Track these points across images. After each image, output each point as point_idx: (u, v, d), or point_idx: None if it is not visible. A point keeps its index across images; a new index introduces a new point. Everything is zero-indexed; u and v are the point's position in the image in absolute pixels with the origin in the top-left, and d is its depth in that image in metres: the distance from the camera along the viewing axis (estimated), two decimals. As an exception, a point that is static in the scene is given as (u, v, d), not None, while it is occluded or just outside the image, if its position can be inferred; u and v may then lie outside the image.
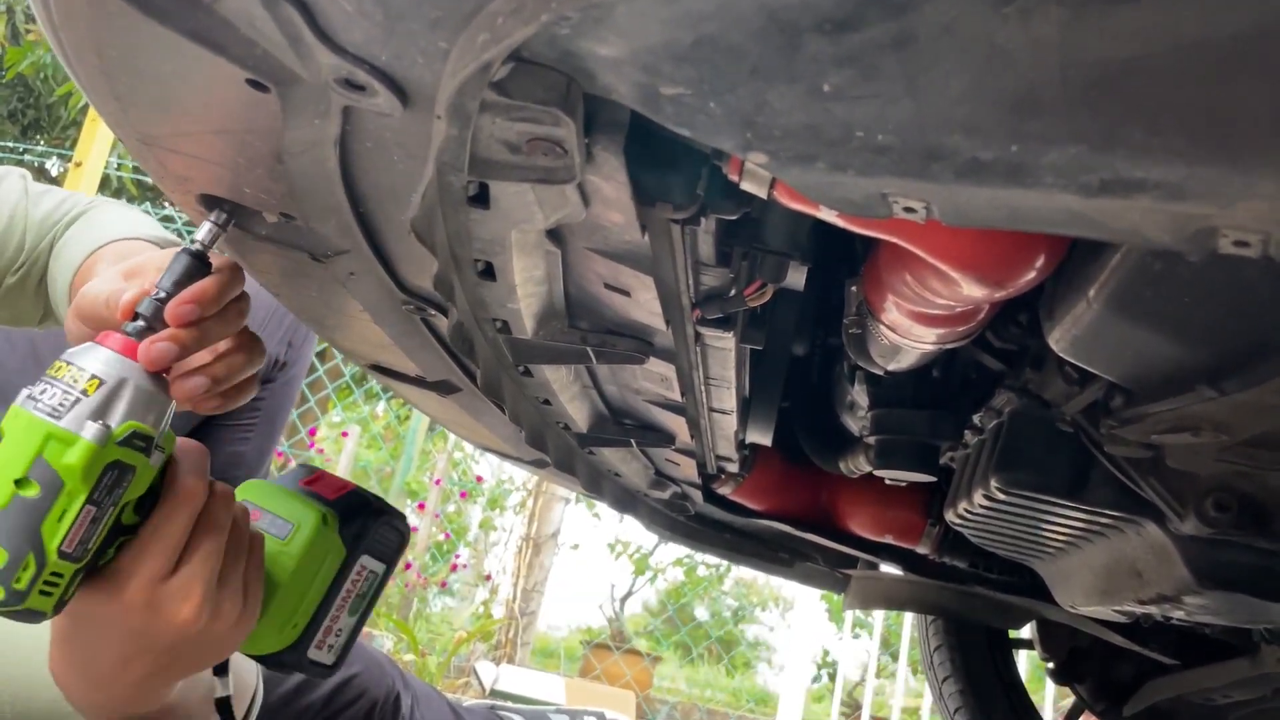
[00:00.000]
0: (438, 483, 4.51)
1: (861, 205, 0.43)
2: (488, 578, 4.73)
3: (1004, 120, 0.37)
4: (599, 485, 1.30)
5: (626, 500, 1.41)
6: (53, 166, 7.33)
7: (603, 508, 6.73)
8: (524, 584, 4.11)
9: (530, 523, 4.30)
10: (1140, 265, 0.49)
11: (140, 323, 0.67)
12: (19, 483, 0.62)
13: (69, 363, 0.64)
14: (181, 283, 0.68)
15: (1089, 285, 0.54)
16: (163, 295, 0.68)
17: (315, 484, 0.87)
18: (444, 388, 0.97)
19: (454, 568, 4.61)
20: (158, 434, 0.67)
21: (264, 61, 0.43)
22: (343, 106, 0.46)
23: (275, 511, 0.83)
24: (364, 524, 0.86)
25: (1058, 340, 0.60)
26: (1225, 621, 0.91)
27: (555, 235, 0.61)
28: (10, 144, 7.00)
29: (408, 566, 3.71)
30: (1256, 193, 0.34)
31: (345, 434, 4.65)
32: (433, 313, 0.75)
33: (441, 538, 4.65)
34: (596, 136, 0.46)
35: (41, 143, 7.45)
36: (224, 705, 0.87)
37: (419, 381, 0.97)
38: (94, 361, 0.65)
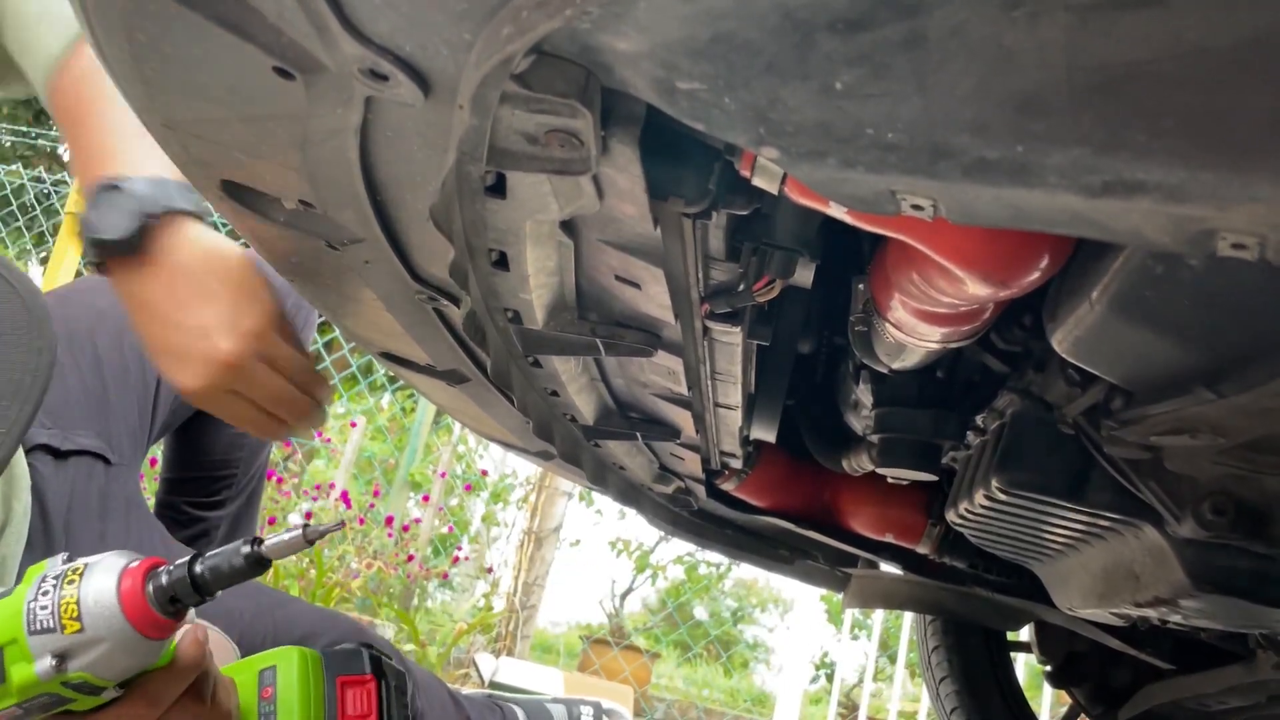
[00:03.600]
0: (442, 475, 4.53)
1: (870, 202, 0.44)
2: (489, 570, 4.74)
3: (1010, 120, 0.38)
4: (604, 478, 1.31)
5: (631, 494, 1.42)
6: (65, 152, 7.36)
7: (605, 504, 6.74)
8: (525, 578, 4.13)
9: (533, 517, 4.32)
10: (1142, 268, 0.50)
11: (164, 580, 0.68)
12: None
13: (76, 583, 0.66)
14: (225, 580, 0.68)
15: (1091, 287, 0.55)
16: (199, 570, 0.68)
17: (349, 690, 0.87)
18: (453, 377, 0.98)
19: (455, 560, 4.63)
20: (114, 684, 0.69)
21: (290, 49, 0.44)
22: (365, 96, 0.47)
23: (279, 709, 0.84)
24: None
25: (1060, 341, 0.61)
26: (1221, 626, 0.92)
27: (569, 227, 0.62)
28: (24, 129, 7.05)
29: (410, 558, 3.73)
30: (1254, 196, 0.35)
31: (354, 424, 4.67)
32: (445, 302, 0.76)
33: (444, 530, 4.67)
34: (613, 129, 0.47)
35: (53, 127, 7.47)
36: None
37: (429, 370, 0.98)
38: (94, 597, 0.66)
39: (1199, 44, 0.34)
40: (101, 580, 0.66)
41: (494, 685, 2.93)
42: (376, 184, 0.59)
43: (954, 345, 0.72)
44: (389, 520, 3.89)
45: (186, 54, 0.47)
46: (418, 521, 4.33)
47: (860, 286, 0.75)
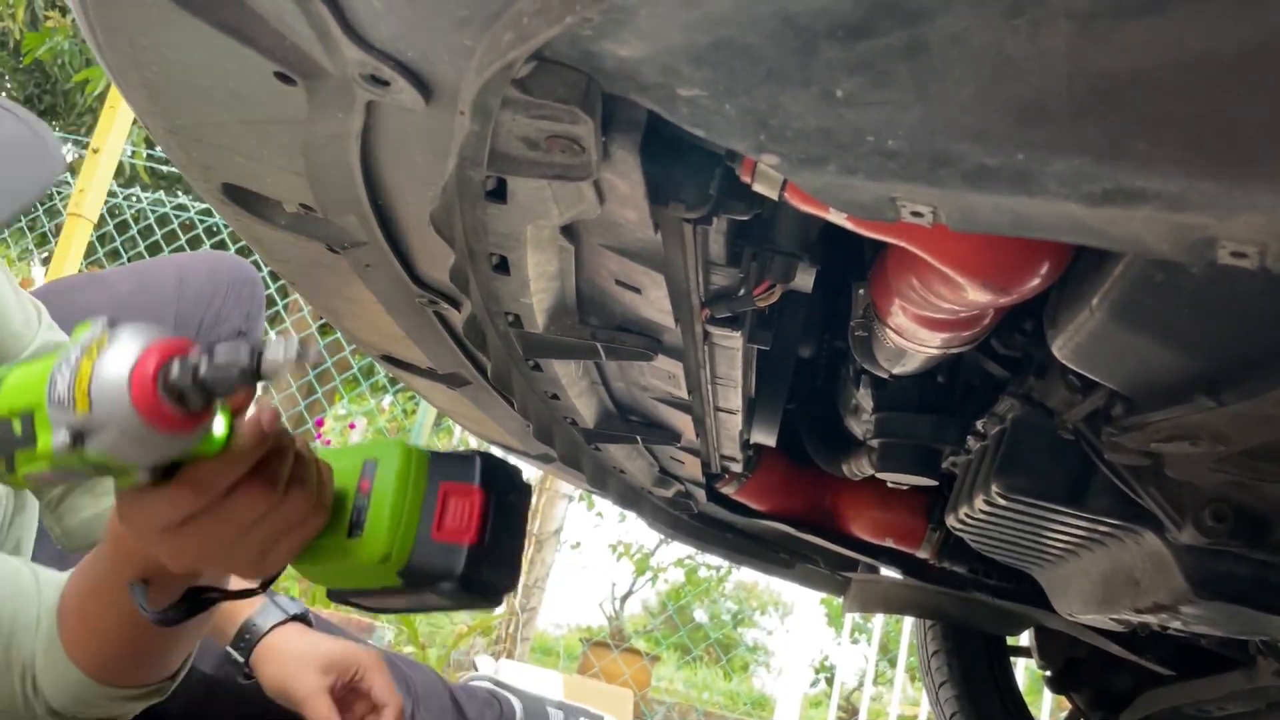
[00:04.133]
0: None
1: (870, 208, 0.44)
2: (489, 573, 4.74)
3: (1011, 128, 0.38)
4: (604, 481, 1.31)
5: (631, 497, 1.42)
6: (68, 152, 7.37)
7: (605, 507, 6.74)
8: (525, 580, 4.13)
9: (533, 520, 4.32)
10: (1142, 275, 0.50)
11: (177, 378, 0.59)
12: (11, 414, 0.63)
13: (97, 349, 0.59)
14: (231, 383, 0.59)
15: (1092, 294, 0.55)
16: (205, 374, 0.59)
17: (450, 499, 0.74)
18: (454, 380, 0.99)
19: (455, 562, 4.62)
20: (145, 468, 0.63)
21: (292, 54, 0.44)
22: (367, 101, 0.47)
23: (374, 503, 0.73)
24: (438, 584, 0.74)
25: (1061, 347, 0.61)
26: (1221, 632, 0.92)
27: (569, 231, 0.62)
28: (26, 129, 7.04)
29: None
30: (1254, 205, 0.35)
31: (352, 425, 4.67)
32: (446, 306, 0.76)
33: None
34: (614, 135, 0.47)
35: (57, 128, 7.48)
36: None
37: (429, 373, 0.98)
38: (106, 377, 0.59)
39: (1199, 53, 0.34)
40: (118, 359, 0.59)
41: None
42: (378, 188, 0.59)
43: (955, 351, 0.72)
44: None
45: (188, 58, 0.48)
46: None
47: (861, 292, 0.75)
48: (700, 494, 1.35)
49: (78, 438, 0.59)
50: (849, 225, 0.50)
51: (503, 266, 0.64)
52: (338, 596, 0.79)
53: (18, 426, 0.62)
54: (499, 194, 0.54)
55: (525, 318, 0.73)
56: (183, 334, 1.17)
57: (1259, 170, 0.35)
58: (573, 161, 0.48)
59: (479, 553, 0.72)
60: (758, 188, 0.51)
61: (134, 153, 5.79)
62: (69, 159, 7.35)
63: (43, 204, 6.05)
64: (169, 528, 0.66)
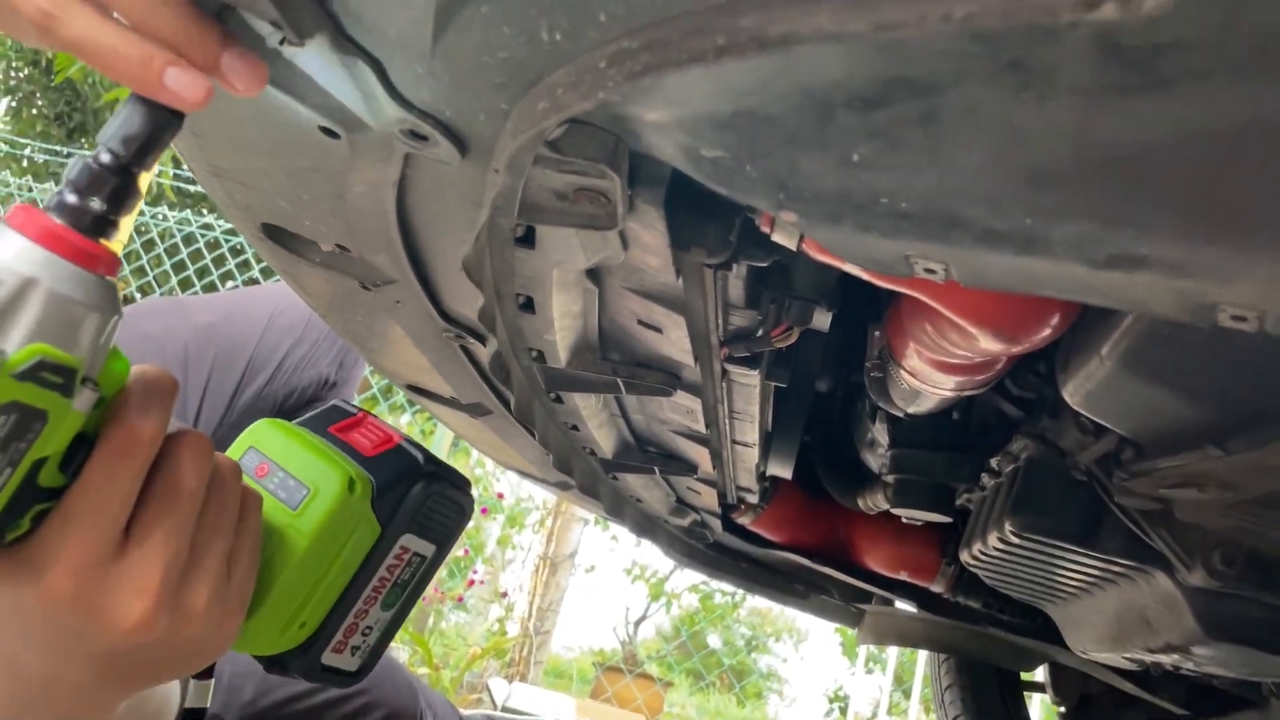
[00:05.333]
0: (458, 498, 4.55)
1: (885, 264, 0.46)
2: (504, 595, 4.75)
3: (1020, 194, 0.39)
4: (620, 510, 1.33)
5: (647, 525, 1.43)
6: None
7: (620, 531, 6.74)
8: (539, 603, 4.14)
9: (548, 542, 4.33)
10: (1150, 328, 0.52)
11: (71, 196, 0.45)
12: None
13: None
14: (141, 140, 0.45)
15: (1102, 343, 0.56)
16: (108, 159, 0.45)
17: (350, 432, 0.66)
18: (477, 410, 1.01)
19: (470, 583, 4.64)
20: (85, 364, 0.46)
21: (337, 111, 0.47)
22: (405, 153, 0.50)
23: (288, 467, 0.62)
24: (409, 492, 0.66)
25: (1071, 393, 0.63)
26: (1233, 674, 0.92)
27: (594, 274, 0.64)
28: (57, 147, 7.18)
29: (425, 580, 3.75)
30: (1252, 273, 0.37)
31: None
32: (471, 340, 0.78)
33: (460, 553, 4.68)
34: (639, 189, 0.49)
35: (85, 145, 7.60)
36: (194, 717, 0.69)
37: (453, 403, 1.00)
38: None
39: (1199, 128, 0.36)
40: None
41: (506, 710, 2.93)
42: (411, 231, 0.61)
43: (968, 393, 0.73)
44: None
45: (238, 111, 0.50)
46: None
47: (876, 333, 0.77)
48: (716, 524, 1.36)
49: None
50: (864, 276, 0.52)
51: (528, 306, 0.66)
52: None
53: None
54: (527, 240, 0.56)
55: (548, 353, 0.75)
56: (255, 376, 1.11)
57: (1256, 240, 0.36)
58: (599, 212, 0.51)
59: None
60: (776, 238, 0.53)
61: (160, 171, 5.88)
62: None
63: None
64: (100, 560, 0.49)
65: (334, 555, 0.63)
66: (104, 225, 0.46)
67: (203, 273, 5.24)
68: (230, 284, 5.12)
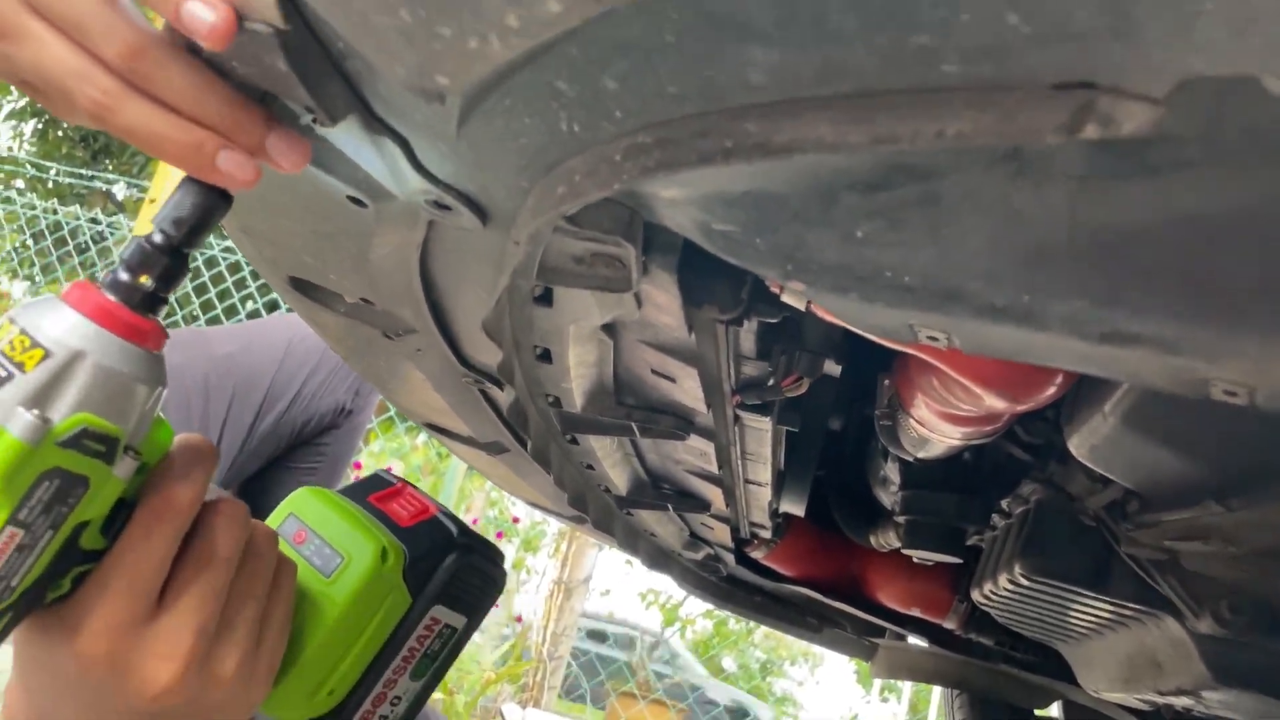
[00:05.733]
0: (474, 521, 4.57)
1: (890, 331, 0.47)
2: (518, 619, 4.75)
3: (1016, 272, 0.41)
4: (635, 544, 1.34)
5: (660, 559, 1.44)
6: (119, 190, 7.58)
7: (635, 554, 6.73)
8: (554, 628, 4.14)
9: (563, 567, 4.34)
10: (1151, 390, 0.53)
11: (124, 274, 0.48)
12: None
13: (11, 320, 0.46)
14: (192, 221, 0.48)
15: (1105, 400, 0.58)
16: (160, 240, 0.48)
17: (389, 502, 0.69)
18: (494, 448, 1.02)
19: (485, 607, 4.65)
20: (128, 433, 0.48)
21: (364, 182, 0.49)
22: (429, 220, 0.52)
23: (324, 535, 0.64)
24: (441, 563, 0.67)
25: (1077, 446, 0.64)
26: (1245, 719, 0.92)
27: (609, 328, 0.66)
28: (81, 170, 7.29)
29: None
30: (1241, 353, 0.38)
31: (389, 470, 4.73)
32: (489, 385, 0.80)
33: (475, 577, 4.69)
34: (653, 255, 0.51)
35: (110, 167, 7.71)
36: None
37: (471, 441, 1.02)
38: (46, 322, 0.46)
39: (1188, 213, 0.37)
40: (41, 305, 0.47)
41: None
42: (432, 285, 0.63)
43: (976, 442, 0.75)
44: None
45: (270, 179, 0.52)
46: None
47: (886, 382, 0.79)
48: (729, 558, 1.38)
49: (41, 406, 0.45)
50: (871, 337, 0.54)
51: (545, 357, 0.68)
52: None
53: None
54: (545, 299, 0.58)
55: (564, 399, 0.77)
56: (274, 404, 1.14)
57: (1245, 321, 0.38)
58: (615, 275, 0.52)
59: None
60: (786, 299, 0.55)
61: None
62: (120, 196, 7.56)
63: (96, 243, 6.24)
64: (134, 623, 0.51)
65: (365, 624, 0.64)
66: (154, 302, 0.48)
67: (224, 295, 5.30)
68: (250, 304, 5.18)
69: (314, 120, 0.45)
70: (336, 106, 0.42)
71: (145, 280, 0.48)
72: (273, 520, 0.66)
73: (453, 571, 0.68)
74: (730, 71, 0.31)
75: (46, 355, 0.45)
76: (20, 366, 0.45)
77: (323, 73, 0.40)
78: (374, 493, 0.69)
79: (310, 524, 0.65)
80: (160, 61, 0.43)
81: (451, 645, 0.71)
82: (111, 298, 0.47)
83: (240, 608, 0.55)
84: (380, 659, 0.66)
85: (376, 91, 0.42)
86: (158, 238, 0.48)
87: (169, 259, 0.48)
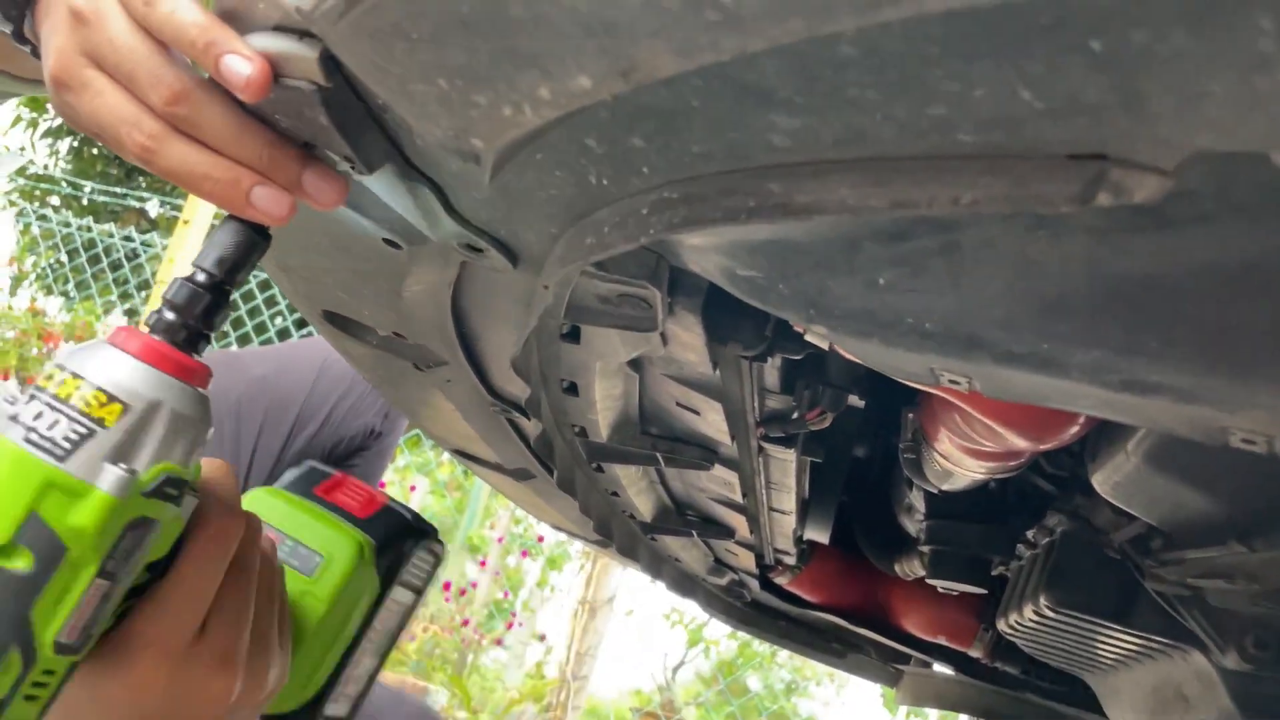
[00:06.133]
0: (499, 540, 4.59)
1: (912, 374, 0.48)
2: (542, 638, 4.76)
3: (1035, 321, 0.42)
4: (659, 569, 1.35)
5: (685, 584, 1.45)
6: (152, 208, 7.69)
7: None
8: (578, 648, 4.14)
9: (587, 586, 4.34)
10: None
11: (170, 314, 0.49)
12: (3, 551, 0.44)
13: (75, 374, 0.47)
14: (233, 260, 0.50)
15: (1128, 438, 0.58)
16: (203, 279, 0.50)
17: (334, 493, 0.70)
18: (521, 474, 1.04)
19: (509, 625, 4.66)
20: (190, 472, 0.50)
21: (399, 225, 0.51)
22: (461, 260, 0.53)
23: (298, 536, 0.66)
24: (401, 549, 0.71)
25: (1101, 483, 0.64)
26: (1273, 754, 0.92)
27: (634, 362, 0.67)
28: (115, 189, 7.41)
29: (465, 623, 3.77)
30: (1258, 403, 0.39)
31: (413, 488, 4.76)
32: (517, 415, 0.81)
33: (500, 596, 4.70)
34: (678, 296, 0.53)
35: (144, 185, 7.82)
36: None
37: (498, 468, 1.03)
38: (113, 375, 0.47)
39: (1205, 264, 0.38)
40: (102, 355, 0.47)
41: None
42: (463, 320, 0.65)
43: (1000, 476, 0.75)
44: (446, 585, 3.94)
45: (308, 222, 0.54)
46: (475, 586, 4.38)
47: (910, 416, 0.79)
48: (754, 583, 1.38)
49: (126, 458, 0.46)
50: (894, 376, 0.54)
51: (572, 390, 0.69)
52: None
53: (20, 560, 0.44)
54: (573, 336, 0.59)
55: (590, 430, 0.78)
56: (305, 426, 1.16)
57: (1261, 372, 0.38)
58: (640, 315, 0.54)
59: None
60: (810, 338, 0.56)
61: (215, 214, 6.03)
62: (154, 214, 7.66)
63: (130, 260, 6.33)
64: (185, 645, 0.53)
65: (345, 617, 0.67)
66: (199, 340, 0.50)
67: (254, 312, 5.37)
68: (280, 321, 5.24)
69: (351, 167, 0.47)
70: (374, 156, 0.43)
71: (190, 320, 0.49)
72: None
73: (410, 556, 0.72)
74: (754, 134, 0.32)
75: (126, 410, 0.46)
76: (100, 422, 0.46)
77: (362, 125, 0.42)
78: (317, 485, 0.71)
79: (280, 527, 0.67)
80: (201, 104, 0.45)
81: (402, 621, 0.75)
82: (163, 340, 0.49)
83: (264, 614, 0.58)
84: (352, 646, 0.69)
85: (412, 143, 0.43)
86: (200, 277, 0.50)
87: (211, 296, 0.50)
